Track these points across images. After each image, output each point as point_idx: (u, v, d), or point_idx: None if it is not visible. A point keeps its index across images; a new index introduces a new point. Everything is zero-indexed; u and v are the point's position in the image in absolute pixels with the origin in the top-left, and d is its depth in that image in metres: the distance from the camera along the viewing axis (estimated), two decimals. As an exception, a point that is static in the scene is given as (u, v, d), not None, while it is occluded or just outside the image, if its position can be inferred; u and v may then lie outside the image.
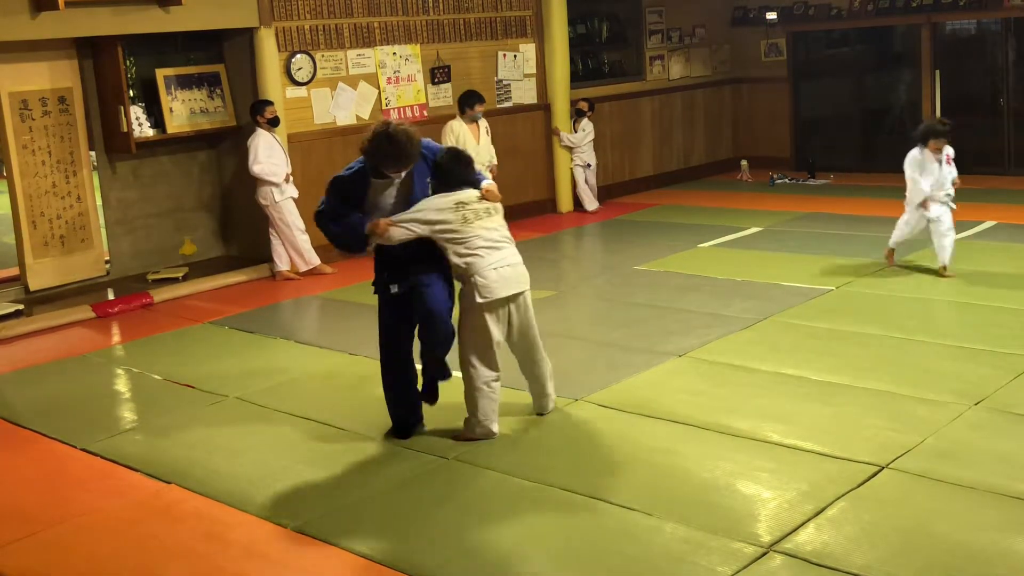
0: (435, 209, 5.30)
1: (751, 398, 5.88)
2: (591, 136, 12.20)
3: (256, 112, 9.54)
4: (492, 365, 5.44)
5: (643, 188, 13.55)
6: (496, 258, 5.36)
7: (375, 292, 5.56)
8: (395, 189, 5.38)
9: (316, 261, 9.84)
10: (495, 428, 5.50)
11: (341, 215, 5.39)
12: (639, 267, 9.32)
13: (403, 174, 5.32)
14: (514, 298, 5.43)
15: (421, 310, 5.40)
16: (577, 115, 12.16)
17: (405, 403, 5.63)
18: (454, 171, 5.45)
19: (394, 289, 5.43)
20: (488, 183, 5.53)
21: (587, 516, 4.60)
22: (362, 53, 10.65)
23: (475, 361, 5.42)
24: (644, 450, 5.27)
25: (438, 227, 5.29)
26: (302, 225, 9.73)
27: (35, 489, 5.36)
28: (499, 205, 5.55)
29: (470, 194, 5.40)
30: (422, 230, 5.29)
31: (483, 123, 10.24)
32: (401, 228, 5.28)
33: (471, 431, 5.51)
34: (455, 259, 5.32)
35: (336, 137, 10.46)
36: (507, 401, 5.71)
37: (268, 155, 9.48)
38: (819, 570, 4.02)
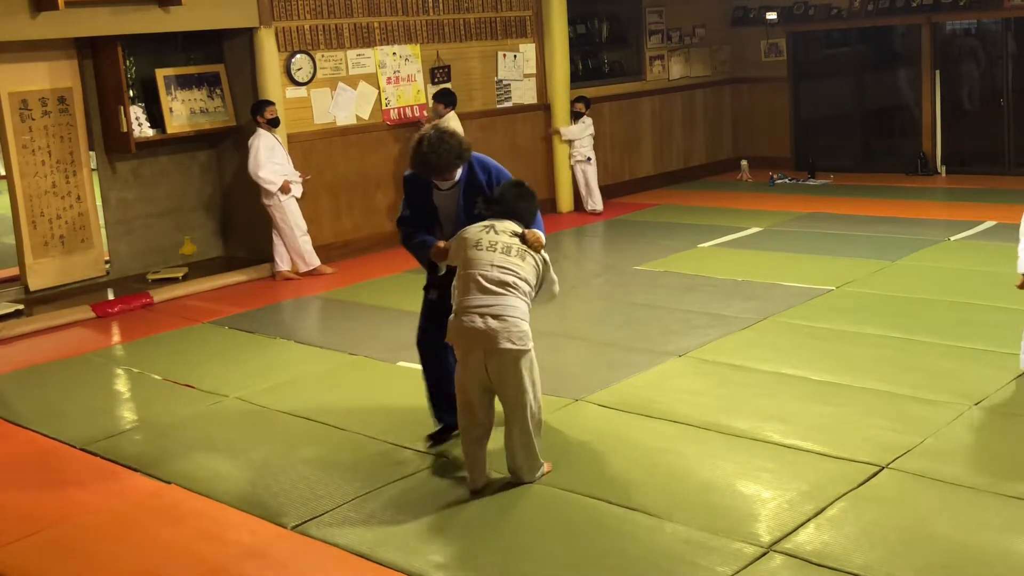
0: (467, 231, 4.84)
1: (751, 398, 5.88)
2: (590, 130, 12.08)
3: (256, 112, 9.54)
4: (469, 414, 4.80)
5: (643, 188, 13.54)
6: (475, 302, 4.65)
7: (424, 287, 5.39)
8: (452, 197, 5.10)
9: (316, 262, 9.84)
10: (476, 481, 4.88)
11: (414, 227, 5.15)
12: (639, 267, 9.32)
13: (452, 182, 5.05)
14: (491, 352, 4.66)
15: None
16: (575, 118, 12.10)
17: (440, 403, 5.40)
18: (510, 203, 4.89)
19: (432, 295, 5.28)
20: (535, 231, 4.88)
21: (587, 516, 4.59)
22: (362, 53, 10.65)
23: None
24: (644, 450, 5.27)
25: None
26: (304, 226, 9.74)
27: (35, 489, 5.36)
28: (533, 256, 4.81)
29: (508, 224, 4.83)
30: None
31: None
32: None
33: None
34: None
35: (336, 137, 10.47)
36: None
37: (269, 156, 9.49)
38: (819, 570, 4.02)
